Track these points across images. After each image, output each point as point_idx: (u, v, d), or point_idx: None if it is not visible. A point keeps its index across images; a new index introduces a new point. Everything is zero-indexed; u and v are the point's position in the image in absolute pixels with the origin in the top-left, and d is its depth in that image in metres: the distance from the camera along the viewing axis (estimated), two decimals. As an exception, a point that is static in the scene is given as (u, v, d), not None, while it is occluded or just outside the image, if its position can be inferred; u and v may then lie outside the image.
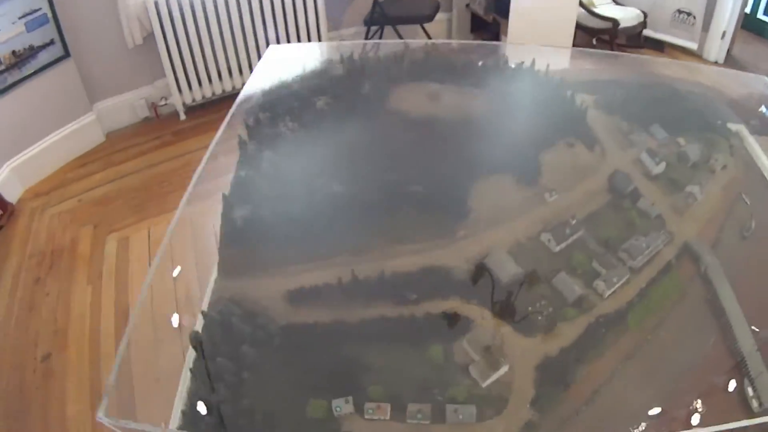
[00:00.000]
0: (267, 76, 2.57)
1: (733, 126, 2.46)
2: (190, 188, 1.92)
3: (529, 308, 1.71)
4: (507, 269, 1.76)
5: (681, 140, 2.28)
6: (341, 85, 2.34)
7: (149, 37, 4.08)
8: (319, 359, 1.59)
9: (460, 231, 1.87)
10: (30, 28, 3.69)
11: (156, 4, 3.88)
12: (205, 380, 1.47)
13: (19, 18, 3.62)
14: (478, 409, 1.45)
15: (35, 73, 3.80)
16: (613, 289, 1.74)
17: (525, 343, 1.65)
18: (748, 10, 4.96)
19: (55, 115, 3.97)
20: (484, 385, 1.53)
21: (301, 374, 1.55)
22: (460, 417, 1.43)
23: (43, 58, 3.83)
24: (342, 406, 1.41)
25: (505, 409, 1.47)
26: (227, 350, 1.56)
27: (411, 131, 2.10)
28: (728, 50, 4.87)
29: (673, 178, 2.14)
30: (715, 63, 4.83)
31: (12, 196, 3.73)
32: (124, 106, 4.42)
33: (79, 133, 4.17)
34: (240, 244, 1.85)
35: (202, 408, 1.41)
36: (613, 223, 1.95)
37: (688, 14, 4.80)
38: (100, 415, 1.31)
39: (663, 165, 2.15)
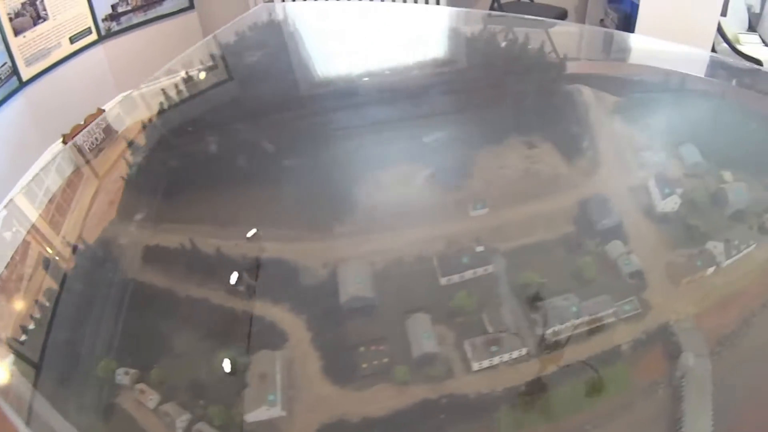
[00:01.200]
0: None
1: None
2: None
3: (361, 348, 1.18)
4: (349, 290, 1.26)
5: (726, 174, 1.56)
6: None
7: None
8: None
9: (339, 227, 1.40)
10: (161, -26, 3.89)
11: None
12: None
13: (152, -37, 3.82)
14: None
15: (159, 18, 3.99)
16: (483, 364, 1.14)
17: (325, 390, 1.14)
18: None
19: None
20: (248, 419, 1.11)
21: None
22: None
23: (168, 6, 4.01)
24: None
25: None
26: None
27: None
28: None
29: (691, 224, 1.47)
30: None
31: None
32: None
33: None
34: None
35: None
36: (553, 267, 1.32)
37: None
38: None
39: (675, 201, 1.45)
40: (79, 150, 1.85)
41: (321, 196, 1.52)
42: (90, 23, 3.65)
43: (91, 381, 1.21)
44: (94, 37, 3.70)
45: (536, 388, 1.16)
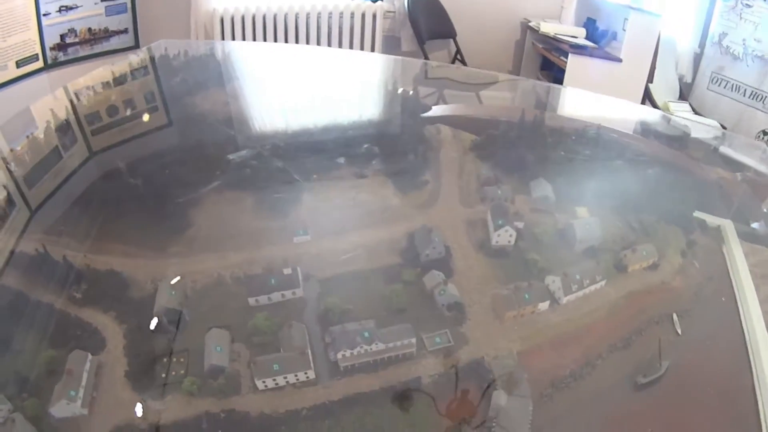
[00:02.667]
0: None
1: (716, 220, 1.75)
2: None
3: (164, 358, 1.19)
4: (161, 303, 1.27)
5: (582, 210, 1.57)
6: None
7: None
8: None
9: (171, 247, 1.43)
10: (109, 12, 4.02)
11: (222, 20, 4.01)
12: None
13: (102, 0, 3.94)
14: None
15: (104, 54, 4.09)
16: (267, 383, 1.13)
17: (124, 394, 1.14)
18: None
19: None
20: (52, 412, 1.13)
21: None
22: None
23: (115, 42, 4.13)
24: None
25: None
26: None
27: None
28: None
29: (529, 259, 1.47)
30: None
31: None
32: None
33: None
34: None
35: None
36: (363, 295, 1.32)
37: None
38: None
39: (510, 233, 1.46)
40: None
41: (160, 218, 1.54)
42: (38, 50, 3.76)
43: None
44: (40, 64, 3.79)
45: (320, 414, 1.14)
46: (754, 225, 1.81)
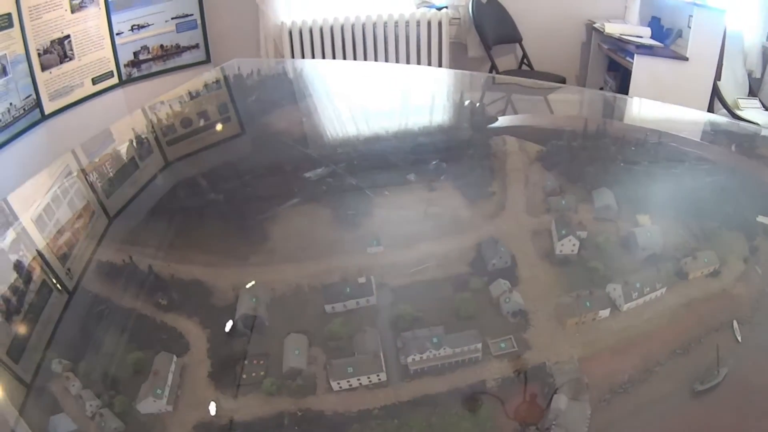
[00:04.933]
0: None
1: None
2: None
3: (245, 361, 1.38)
4: (242, 310, 1.47)
5: (643, 218, 1.67)
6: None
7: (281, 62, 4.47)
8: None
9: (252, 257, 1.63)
10: (180, 29, 4.35)
11: (290, 32, 4.26)
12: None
13: (172, 18, 4.28)
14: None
15: (176, 69, 4.43)
16: (342, 384, 1.30)
17: (207, 393, 1.34)
18: None
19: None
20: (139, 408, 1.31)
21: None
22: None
23: (187, 58, 4.45)
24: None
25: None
26: None
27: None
28: None
29: (591, 267, 1.58)
30: None
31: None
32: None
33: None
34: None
35: None
36: (433, 303, 1.48)
37: None
38: None
39: (573, 242, 1.58)
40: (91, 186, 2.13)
41: (240, 231, 1.75)
42: (113, 67, 4.11)
43: (34, 366, 1.43)
44: (115, 80, 4.15)
45: (389, 414, 1.29)
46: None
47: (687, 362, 1.43)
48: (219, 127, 2.33)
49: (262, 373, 1.36)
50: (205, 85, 2.58)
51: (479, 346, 1.36)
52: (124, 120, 2.58)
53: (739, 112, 4.14)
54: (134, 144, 2.14)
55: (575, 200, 1.80)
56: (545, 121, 2.32)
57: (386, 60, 4.56)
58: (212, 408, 1.32)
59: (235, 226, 1.77)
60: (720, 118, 2.98)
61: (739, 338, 1.48)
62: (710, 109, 4.13)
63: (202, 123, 2.25)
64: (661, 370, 1.41)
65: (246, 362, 1.39)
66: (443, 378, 1.34)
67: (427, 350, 1.33)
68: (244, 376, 1.36)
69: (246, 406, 1.30)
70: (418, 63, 4.62)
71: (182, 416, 1.30)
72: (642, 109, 2.71)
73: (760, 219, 1.85)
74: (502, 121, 2.26)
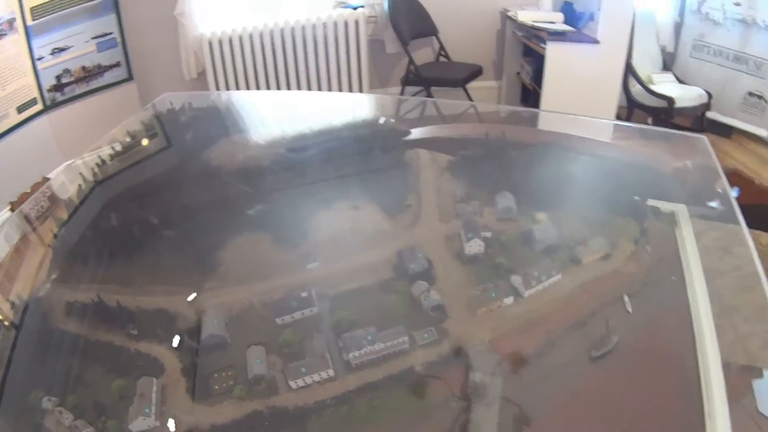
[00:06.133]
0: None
1: (671, 206, 2.14)
2: None
3: (215, 374, 1.68)
4: (207, 330, 1.76)
5: (540, 215, 2.02)
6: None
7: (203, 73, 4.66)
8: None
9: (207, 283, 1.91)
10: (101, 48, 4.47)
11: (210, 43, 4.45)
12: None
13: (93, 38, 4.40)
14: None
15: (100, 89, 4.55)
16: (298, 383, 1.61)
17: (187, 405, 1.62)
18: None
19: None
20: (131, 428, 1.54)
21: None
22: None
23: (109, 77, 4.58)
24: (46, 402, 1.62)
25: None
26: None
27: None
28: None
29: (497, 263, 1.93)
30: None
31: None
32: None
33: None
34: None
35: None
36: (366, 307, 1.80)
37: (759, 97, 4.21)
38: None
39: (479, 244, 1.94)
40: (26, 217, 2.26)
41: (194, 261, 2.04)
42: (36, 93, 4.18)
43: (24, 406, 1.64)
44: (39, 106, 4.22)
45: (340, 402, 1.61)
46: (711, 204, 2.11)
47: (583, 334, 1.74)
48: (160, 165, 2.57)
49: (231, 382, 1.64)
50: (142, 125, 2.80)
51: (406, 339, 1.68)
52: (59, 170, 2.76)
53: (653, 87, 4.48)
54: (80, 187, 2.35)
55: (480, 205, 2.16)
56: (453, 132, 2.67)
57: (306, 62, 4.82)
58: (194, 417, 1.59)
59: (189, 258, 2.04)
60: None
61: (630, 309, 1.79)
62: (625, 87, 4.47)
63: (143, 163, 2.49)
64: (561, 343, 1.71)
65: (216, 375, 1.67)
66: (380, 368, 1.65)
67: (364, 347, 1.65)
68: (216, 387, 1.63)
69: (222, 411, 1.57)
70: (338, 63, 4.88)
71: (169, 429, 1.56)
72: (543, 116, 3.08)
73: (651, 203, 2.18)
74: (415, 133, 2.59)
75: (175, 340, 1.77)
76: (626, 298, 1.82)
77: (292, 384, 1.61)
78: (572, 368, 1.66)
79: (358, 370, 1.65)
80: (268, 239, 2.05)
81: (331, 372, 1.63)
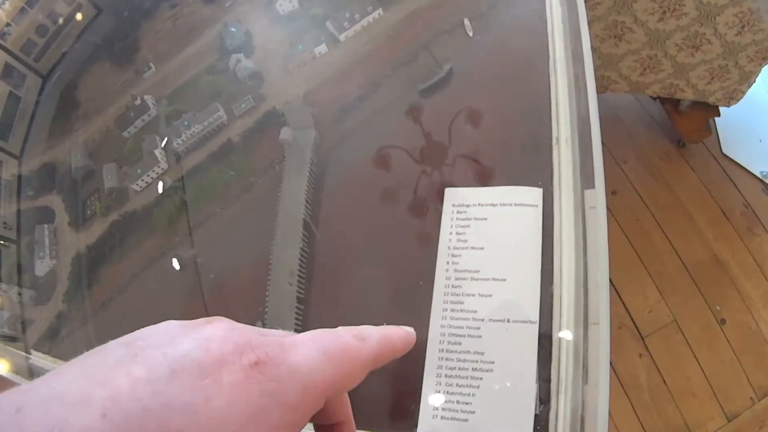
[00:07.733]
0: None
1: None
2: None
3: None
4: None
5: None
6: None
7: None
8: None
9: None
10: None
11: None
12: None
13: None
14: None
15: None
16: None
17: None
18: None
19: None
20: None
21: None
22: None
23: None
24: None
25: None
26: None
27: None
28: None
29: (314, 13, 1.98)
30: None
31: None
32: None
33: None
34: None
35: None
36: (190, 96, 2.03)
37: None
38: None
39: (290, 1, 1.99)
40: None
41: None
42: None
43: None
44: None
45: (174, 191, 1.94)
46: None
47: (414, 68, 1.68)
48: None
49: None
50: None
51: (222, 113, 1.89)
52: None
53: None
54: None
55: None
56: None
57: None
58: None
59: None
60: None
61: (471, 33, 1.66)
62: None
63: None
64: (387, 81, 1.70)
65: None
66: (203, 148, 1.90)
67: (183, 132, 1.92)
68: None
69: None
70: None
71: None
72: None
73: None
74: None
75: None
76: (467, 22, 1.67)
77: (135, 187, 1.90)
78: (399, 105, 1.62)
79: (185, 157, 1.90)
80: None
81: (164, 165, 1.90)
